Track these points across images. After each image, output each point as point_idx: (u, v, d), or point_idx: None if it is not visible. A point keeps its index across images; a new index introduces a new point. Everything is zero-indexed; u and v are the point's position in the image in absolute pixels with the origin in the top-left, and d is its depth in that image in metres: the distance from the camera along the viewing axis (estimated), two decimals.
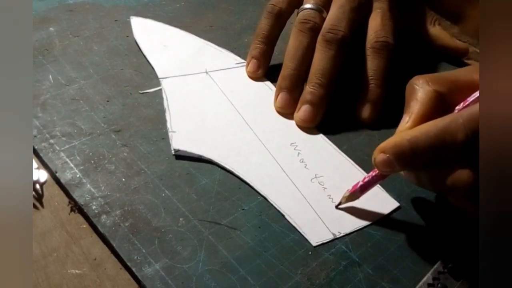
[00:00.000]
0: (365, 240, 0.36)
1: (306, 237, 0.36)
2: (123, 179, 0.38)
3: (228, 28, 0.55)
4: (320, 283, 0.33)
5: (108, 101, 0.44)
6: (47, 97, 0.43)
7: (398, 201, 0.39)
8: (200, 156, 0.40)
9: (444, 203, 0.39)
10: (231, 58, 0.51)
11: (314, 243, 0.36)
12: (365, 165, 0.41)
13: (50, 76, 0.45)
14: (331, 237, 0.36)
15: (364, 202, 0.38)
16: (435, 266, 0.34)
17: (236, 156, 0.41)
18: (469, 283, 0.33)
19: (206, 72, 0.48)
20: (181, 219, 0.36)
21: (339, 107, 0.46)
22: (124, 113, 0.43)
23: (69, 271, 0.33)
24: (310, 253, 0.35)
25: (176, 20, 0.54)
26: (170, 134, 0.41)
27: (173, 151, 0.40)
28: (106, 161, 0.39)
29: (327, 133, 0.44)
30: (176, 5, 0.57)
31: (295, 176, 0.40)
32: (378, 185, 0.39)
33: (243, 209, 0.37)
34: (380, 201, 0.39)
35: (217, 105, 0.45)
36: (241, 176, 0.39)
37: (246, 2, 0.59)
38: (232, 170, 0.39)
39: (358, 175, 0.40)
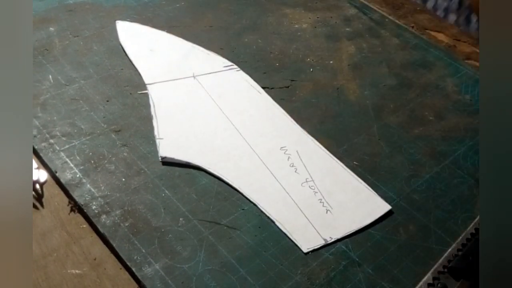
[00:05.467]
0: (365, 240, 0.36)
1: (297, 243, 0.35)
2: (123, 179, 0.38)
3: (228, 28, 0.55)
4: (320, 283, 0.33)
5: (108, 101, 0.44)
6: (47, 97, 0.43)
7: (398, 201, 0.39)
8: (188, 162, 0.39)
9: (443, 203, 0.39)
10: (219, 61, 0.49)
11: (305, 250, 0.35)
12: (364, 164, 0.41)
13: (50, 76, 0.45)
14: (322, 242, 0.36)
15: (355, 206, 0.38)
16: (435, 266, 0.34)
17: (225, 162, 0.40)
18: (469, 283, 0.33)
19: (194, 77, 0.47)
20: (181, 219, 0.36)
21: (340, 108, 0.46)
22: (124, 113, 0.43)
23: (69, 271, 0.33)
24: (310, 253, 0.35)
25: (176, 20, 0.54)
26: (157, 141, 0.40)
27: (160, 158, 0.39)
28: (106, 161, 0.39)
29: (327, 132, 0.44)
30: (176, 5, 0.57)
31: (286, 180, 0.39)
32: (369, 188, 0.39)
33: (243, 209, 0.37)
34: (372, 204, 0.38)
35: (205, 110, 0.44)
36: (230, 182, 0.38)
37: (246, 2, 0.59)
38: (221, 176, 0.39)
39: (350, 179, 0.40)
